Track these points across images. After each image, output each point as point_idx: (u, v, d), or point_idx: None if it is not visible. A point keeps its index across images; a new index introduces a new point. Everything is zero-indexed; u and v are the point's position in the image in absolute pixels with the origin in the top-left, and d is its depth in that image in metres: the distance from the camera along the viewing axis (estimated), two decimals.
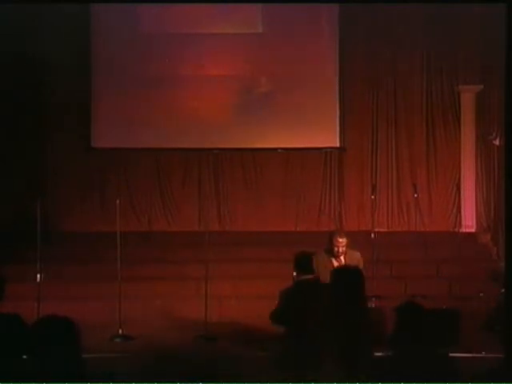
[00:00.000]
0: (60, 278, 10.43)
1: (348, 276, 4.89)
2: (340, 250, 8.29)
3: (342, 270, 4.91)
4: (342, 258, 8.33)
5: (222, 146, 12.77)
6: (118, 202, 9.45)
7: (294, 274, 7.00)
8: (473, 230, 12.50)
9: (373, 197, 11.59)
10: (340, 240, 8.32)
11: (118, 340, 8.81)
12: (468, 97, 12.59)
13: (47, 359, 2.95)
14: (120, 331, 8.89)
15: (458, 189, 12.59)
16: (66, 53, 12.36)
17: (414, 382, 3.61)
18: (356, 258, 8.34)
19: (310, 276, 6.75)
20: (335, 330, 4.68)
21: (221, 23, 12.52)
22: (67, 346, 3.02)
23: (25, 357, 3.14)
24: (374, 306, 8.32)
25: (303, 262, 6.97)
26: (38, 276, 8.84)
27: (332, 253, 8.33)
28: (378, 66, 12.72)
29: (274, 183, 12.78)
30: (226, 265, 10.55)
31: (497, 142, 11.67)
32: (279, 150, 12.79)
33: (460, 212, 12.60)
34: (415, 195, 11.87)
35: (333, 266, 7.86)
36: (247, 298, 9.18)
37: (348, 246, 8.40)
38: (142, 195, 12.80)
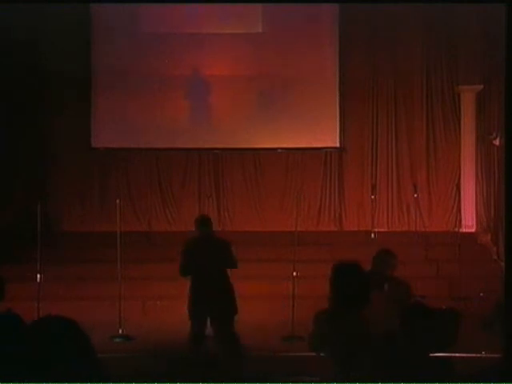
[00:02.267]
0: (60, 278, 10.43)
1: (349, 272, 4.84)
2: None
3: (342, 265, 4.84)
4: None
5: (222, 146, 12.77)
6: (118, 201, 9.45)
7: None
8: (473, 230, 12.50)
9: (373, 197, 11.61)
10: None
11: (117, 340, 8.80)
12: (468, 97, 12.59)
13: (50, 359, 2.93)
14: (120, 331, 8.89)
15: (458, 189, 12.59)
16: (66, 53, 12.37)
17: (414, 381, 3.61)
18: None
19: None
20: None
21: (221, 23, 12.53)
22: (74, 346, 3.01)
23: (25, 357, 3.13)
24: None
25: None
26: (38, 276, 8.84)
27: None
28: (378, 66, 12.73)
29: (274, 183, 12.79)
30: None
31: (497, 142, 11.67)
32: (279, 150, 12.79)
33: (460, 212, 12.60)
34: (415, 195, 11.89)
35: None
36: (247, 298, 9.16)
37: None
38: (142, 195, 12.80)
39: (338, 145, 12.83)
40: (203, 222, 7.94)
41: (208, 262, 7.58)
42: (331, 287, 4.71)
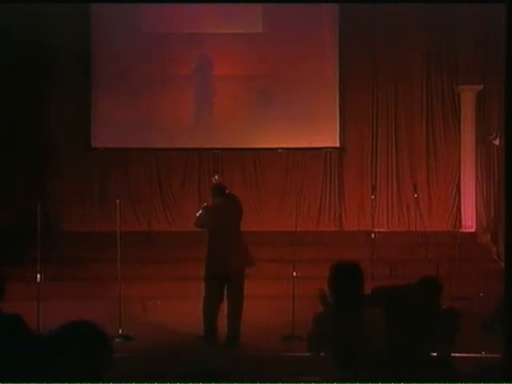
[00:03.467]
0: (60, 278, 10.42)
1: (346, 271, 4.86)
2: None
3: (341, 265, 4.86)
4: None
5: (222, 146, 12.77)
6: (118, 202, 9.44)
7: None
8: (473, 230, 12.50)
9: (373, 197, 11.60)
10: None
11: (117, 340, 8.79)
12: (468, 97, 12.59)
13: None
14: (120, 331, 8.88)
15: (458, 189, 12.59)
16: (67, 53, 12.39)
17: (414, 382, 3.61)
18: None
19: None
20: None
21: (221, 23, 12.53)
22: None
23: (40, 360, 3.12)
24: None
25: None
26: (38, 276, 8.83)
27: None
28: (378, 66, 12.73)
29: (274, 183, 12.79)
30: None
31: (497, 142, 11.68)
32: (279, 150, 12.79)
33: (460, 212, 12.59)
34: (415, 195, 11.89)
35: None
36: (247, 298, 9.17)
37: None
38: (142, 195, 12.80)
39: (338, 145, 12.83)
40: (220, 190, 8.67)
41: (225, 219, 8.42)
42: (331, 287, 4.72)
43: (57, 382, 2.79)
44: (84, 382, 2.79)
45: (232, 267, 8.39)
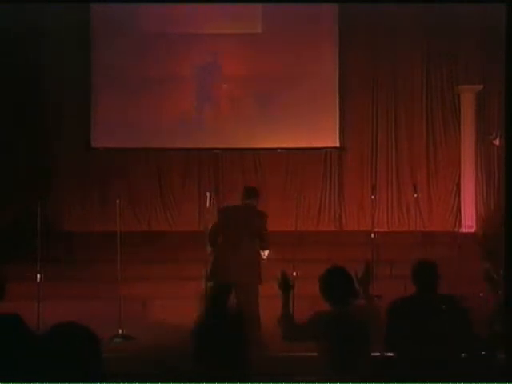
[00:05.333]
0: (60, 278, 10.42)
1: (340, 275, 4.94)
2: None
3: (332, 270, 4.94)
4: None
5: (222, 146, 12.77)
6: (118, 202, 9.44)
7: None
8: (473, 230, 12.49)
9: (373, 197, 11.58)
10: None
11: (118, 340, 8.79)
12: (468, 97, 12.59)
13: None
14: (120, 331, 8.88)
15: (458, 189, 12.59)
16: (66, 53, 12.39)
17: (414, 382, 3.61)
18: None
19: None
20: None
21: (221, 23, 12.53)
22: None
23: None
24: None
25: None
26: (38, 276, 8.83)
27: None
28: (378, 65, 12.73)
29: (274, 183, 12.78)
30: None
31: (497, 142, 11.68)
32: (279, 150, 12.78)
33: (460, 212, 12.59)
34: (415, 195, 11.87)
35: None
36: None
37: None
38: (142, 195, 12.79)
39: (338, 145, 12.83)
40: (248, 192, 8.48)
41: (241, 228, 8.09)
42: (324, 294, 4.79)
43: (48, 382, 2.79)
44: (72, 382, 2.79)
45: (243, 282, 8.00)
